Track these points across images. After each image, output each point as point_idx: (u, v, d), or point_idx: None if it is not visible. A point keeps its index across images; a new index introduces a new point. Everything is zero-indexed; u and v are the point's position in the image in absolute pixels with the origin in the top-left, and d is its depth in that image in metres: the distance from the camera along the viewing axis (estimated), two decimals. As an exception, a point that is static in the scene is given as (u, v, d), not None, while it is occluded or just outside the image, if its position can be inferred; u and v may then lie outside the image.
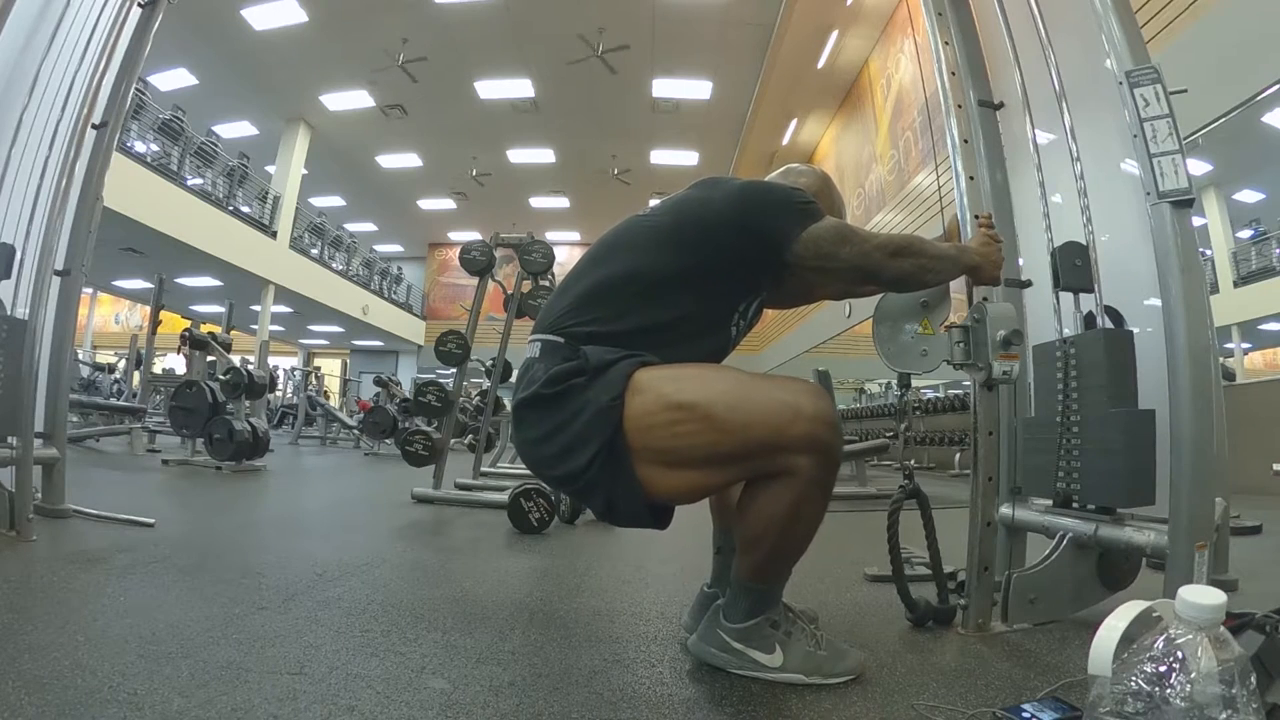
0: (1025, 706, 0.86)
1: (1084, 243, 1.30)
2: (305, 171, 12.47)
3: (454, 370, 3.48)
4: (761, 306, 1.20)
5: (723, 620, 1.03)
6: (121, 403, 6.12)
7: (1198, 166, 7.00)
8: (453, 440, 3.47)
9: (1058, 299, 1.33)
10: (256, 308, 11.54)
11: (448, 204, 16.21)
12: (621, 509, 0.98)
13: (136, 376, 7.09)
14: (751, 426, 0.93)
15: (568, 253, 14.73)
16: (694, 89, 10.79)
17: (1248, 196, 9.04)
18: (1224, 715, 0.56)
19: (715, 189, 1.12)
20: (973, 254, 1.18)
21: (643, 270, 1.06)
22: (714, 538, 1.25)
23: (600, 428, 0.95)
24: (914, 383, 1.36)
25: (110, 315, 19.30)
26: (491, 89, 11.00)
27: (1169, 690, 0.58)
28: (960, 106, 1.50)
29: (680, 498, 1.00)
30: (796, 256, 1.05)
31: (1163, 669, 0.59)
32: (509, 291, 3.79)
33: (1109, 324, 1.26)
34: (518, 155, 13.41)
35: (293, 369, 11.29)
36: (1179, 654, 0.59)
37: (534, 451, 1.03)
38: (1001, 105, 1.53)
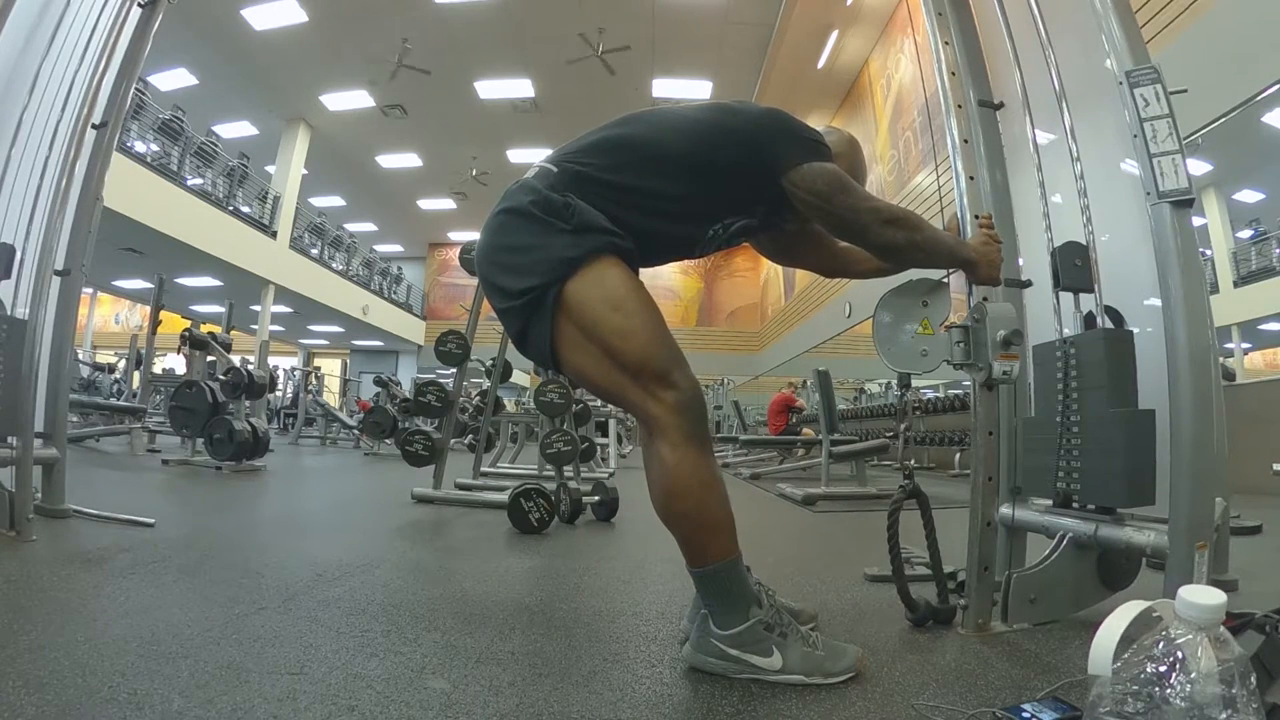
0: (1025, 706, 0.86)
1: (1084, 243, 1.30)
2: (305, 171, 12.47)
3: (454, 370, 3.48)
4: (745, 233, 1.23)
5: (713, 628, 1.02)
6: (121, 403, 6.11)
7: (1198, 166, 6.98)
8: (453, 440, 3.47)
9: (1058, 299, 1.33)
10: (256, 308, 11.55)
11: (448, 204, 16.21)
12: (531, 344, 1.07)
13: (136, 376, 7.08)
14: (650, 359, 1.02)
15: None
16: (694, 89, 10.78)
17: (1248, 196, 9.02)
18: (1224, 715, 0.56)
19: (747, 105, 1.18)
20: (970, 250, 1.18)
21: (654, 142, 1.11)
22: None
23: (549, 272, 1.02)
24: (914, 383, 1.36)
25: (110, 315, 19.31)
26: (491, 89, 11.01)
27: (1169, 690, 0.57)
28: (960, 106, 1.50)
29: (571, 368, 1.06)
30: (791, 185, 1.09)
31: (1163, 669, 0.59)
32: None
33: (1109, 324, 1.26)
34: (518, 155, 13.40)
35: (293, 369, 11.28)
36: (1179, 654, 0.59)
37: (493, 255, 1.10)
38: (1001, 105, 1.53)
